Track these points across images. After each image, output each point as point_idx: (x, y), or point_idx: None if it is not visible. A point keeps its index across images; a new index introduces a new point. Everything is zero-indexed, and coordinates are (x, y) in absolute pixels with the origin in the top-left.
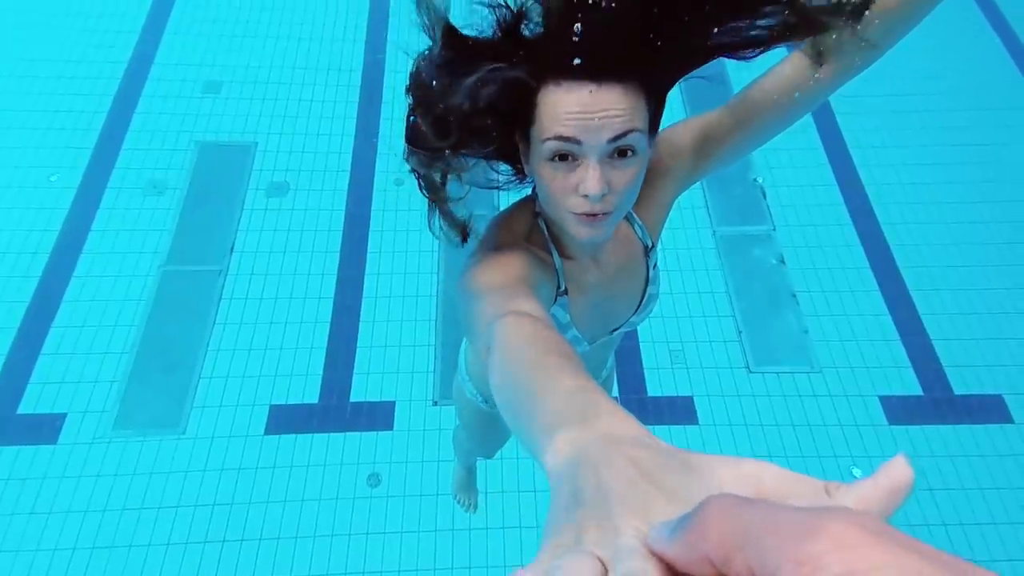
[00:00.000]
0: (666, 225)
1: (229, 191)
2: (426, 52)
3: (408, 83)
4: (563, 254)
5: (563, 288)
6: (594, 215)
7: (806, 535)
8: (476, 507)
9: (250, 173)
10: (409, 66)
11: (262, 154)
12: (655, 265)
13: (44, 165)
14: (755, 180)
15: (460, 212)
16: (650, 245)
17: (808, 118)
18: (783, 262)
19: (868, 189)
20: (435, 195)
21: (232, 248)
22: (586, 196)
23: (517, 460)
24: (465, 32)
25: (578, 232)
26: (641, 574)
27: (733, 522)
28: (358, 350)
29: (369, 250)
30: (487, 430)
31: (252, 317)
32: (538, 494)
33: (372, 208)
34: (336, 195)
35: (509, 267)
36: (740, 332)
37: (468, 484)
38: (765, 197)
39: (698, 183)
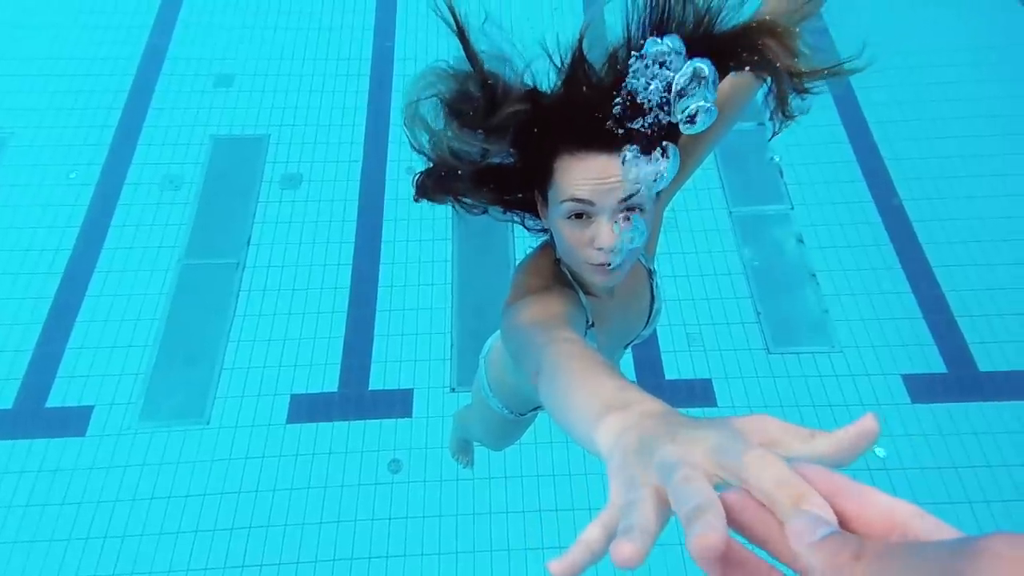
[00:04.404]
0: (684, 206)
1: (244, 184)
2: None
3: (414, 141)
4: (586, 292)
5: (591, 322)
6: (608, 264)
7: (966, 557)
8: (472, 464)
9: (264, 166)
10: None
11: (275, 146)
12: (658, 284)
13: (63, 163)
14: (772, 158)
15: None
16: (653, 269)
17: (827, 95)
18: (801, 241)
19: (888, 164)
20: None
21: (249, 241)
22: (600, 249)
23: (536, 446)
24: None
25: (594, 280)
26: (703, 497)
27: (888, 560)
28: (375, 339)
29: (383, 239)
30: (505, 433)
31: (271, 308)
32: (557, 478)
33: (385, 197)
34: (349, 185)
35: (549, 305)
36: (759, 313)
37: (466, 448)
38: (782, 176)
39: (712, 164)
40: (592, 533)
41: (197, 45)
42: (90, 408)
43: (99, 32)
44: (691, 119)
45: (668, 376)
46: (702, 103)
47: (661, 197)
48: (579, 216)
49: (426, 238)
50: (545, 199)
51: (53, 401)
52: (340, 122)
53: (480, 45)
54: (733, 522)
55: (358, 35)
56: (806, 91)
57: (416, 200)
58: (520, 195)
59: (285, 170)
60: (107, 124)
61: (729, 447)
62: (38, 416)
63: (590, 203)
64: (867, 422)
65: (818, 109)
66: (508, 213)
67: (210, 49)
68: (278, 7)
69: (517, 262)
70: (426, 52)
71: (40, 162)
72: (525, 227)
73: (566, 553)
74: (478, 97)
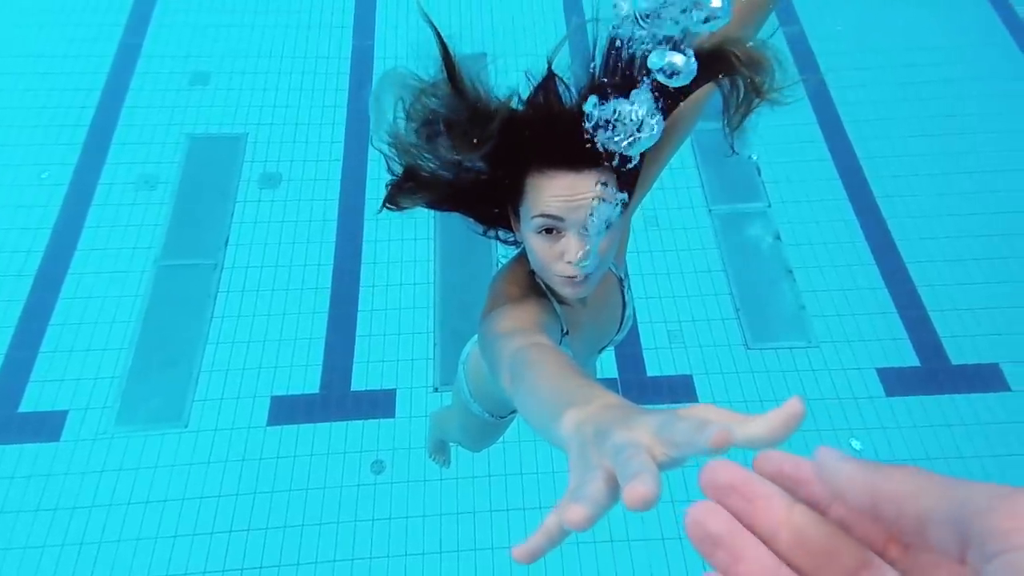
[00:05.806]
0: (664, 205)
1: (221, 184)
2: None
3: (393, 147)
4: (560, 302)
5: (565, 330)
6: (577, 277)
7: (1003, 496)
8: (449, 463)
9: (242, 165)
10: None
11: (253, 145)
12: (629, 290)
13: (35, 163)
14: (750, 157)
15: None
16: (623, 277)
17: (803, 94)
18: (779, 238)
19: (863, 162)
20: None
21: (227, 241)
22: (569, 263)
23: (519, 444)
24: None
25: (565, 292)
26: (643, 465)
27: (924, 478)
28: (357, 339)
29: (364, 239)
30: (485, 435)
31: (250, 309)
32: (540, 476)
33: (366, 196)
34: (329, 184)
35: (524, 314)
36: (737, 310)
37: (443, 447)
38: (760, 174)
39: (692, 163)
40: (552, 519)
41: (172, 43)
42: (64, 413)
43: (71, 29)
44: (673, 72)
45: (650, 373)
46: (680, 58)
47: (626, 209)
48: (549, 231)
49: (408, 237)
50: (517, 214)
51: (26, 406)
52: (320, 121)
53: (458, 52)
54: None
55: (336, 33)
56: (750, 112)
57: (379, 212)
58: (494, 208)
59: (264, 169)
60: (80, 123)
61: (670, 424)
62: (11, 421)
63: (559, 219)
64: (793, 405)
65: (794, 108)
66: (486, 231)
67: (185, 47)
68: (255, 5)
69: (497, 265)
70: (406, 51)
71: (11, 162)
72: (499, 239)
73: (527, 540)
74: (462, 115)
